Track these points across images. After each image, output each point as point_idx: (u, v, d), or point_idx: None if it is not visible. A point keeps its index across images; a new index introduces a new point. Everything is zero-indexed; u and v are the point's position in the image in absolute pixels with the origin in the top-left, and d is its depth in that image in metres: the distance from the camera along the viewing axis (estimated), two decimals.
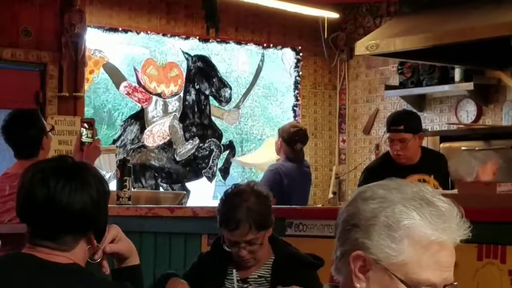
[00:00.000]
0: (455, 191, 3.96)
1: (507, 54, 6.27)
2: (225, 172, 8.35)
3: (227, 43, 8.26)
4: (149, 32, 7.78)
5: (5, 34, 6.68)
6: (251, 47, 8.53)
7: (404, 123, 4.90)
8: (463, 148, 6.57)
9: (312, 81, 8.70)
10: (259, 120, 9.83)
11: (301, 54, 8.60)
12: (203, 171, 8.23)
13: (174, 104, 8.13)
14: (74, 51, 6.89)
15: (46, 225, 2.15)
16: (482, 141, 6.59)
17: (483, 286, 3.41)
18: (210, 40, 8.06)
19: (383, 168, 4.94)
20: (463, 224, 1.64)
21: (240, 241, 3.26)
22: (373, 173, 5.04)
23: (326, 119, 8.75)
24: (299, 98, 8.61)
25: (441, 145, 6.67)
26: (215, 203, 6.81)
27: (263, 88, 9.53)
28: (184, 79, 8.16)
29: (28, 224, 2.20)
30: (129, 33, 7.68)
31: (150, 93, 8.00)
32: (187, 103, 8.16)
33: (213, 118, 8.34)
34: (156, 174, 7.98)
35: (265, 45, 8.45)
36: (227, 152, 8.38)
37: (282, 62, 8.77)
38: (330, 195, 8.46)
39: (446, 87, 7.46)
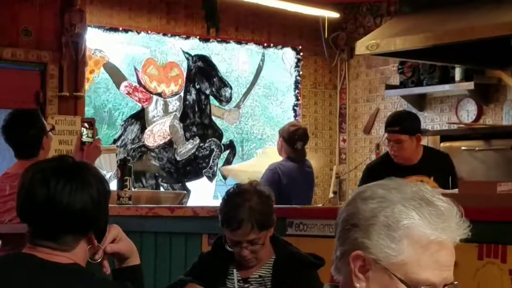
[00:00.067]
0: (455, 190, 3.96)
1: (507, 54, 6.27)
2: None
3: (227, 42, 8.26)
4: (149, 32, 7.78)
5: (5, 34, 6.68)
6: (252, 46, 8.53)
7: (400, 124, 4.92)
8: (463, 148, 6.57)
9: (313, 80, 8.70)
10: (259, 120, 9.84)
11: (301, 53, 8.60)
12: (203, 170, 8.23)
13: (175, 104, 8.13)
14: (75, 50, 6.89)
15: (47, 225, 2.15)
16: (483, 140, 6.59)
17: (483, 285, 3.41)
18: (211, 40, 8.07)
19: (383, 167, 4.97)
20: (462, 224, 1.64)
21: (242, 241, 3.26)
22: (373, 172, 5.07)
23: (326, 119, 8.75)
24: (299, 97, 8.61)
25: (442, 144, 6.67)
26: (216, 203, 6.83)
27: (264, 87, 9.53)
28: (184, 79, 8.16)
29: (28, 224, 2.20)
30: (130, 32, 7.69)
31: (151, 92, 8.00)
32: (187, 102, 8.16)
33: (213, 117, 8.34)
34: (157, 174, 7.99)
35: (265, 44, 8.45)
36: (227, 151, 8.38)
37: (283, 61, 8.77)
38: (331, 195, 8.46)
39: (446, 87, 7.46)
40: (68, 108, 6.92)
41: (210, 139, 8.26)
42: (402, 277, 1.62)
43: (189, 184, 8.16)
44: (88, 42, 7.08)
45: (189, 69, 8.17)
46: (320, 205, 8.10)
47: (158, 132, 8.03)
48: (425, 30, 5.99)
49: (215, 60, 8.37)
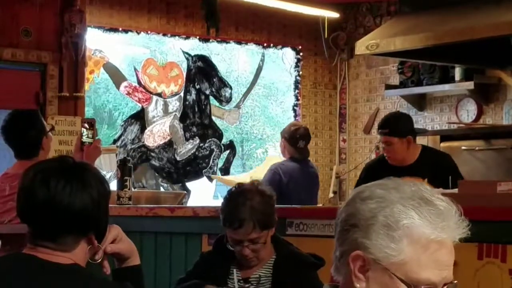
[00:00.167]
0: (455, 190, 3.96)
1: (507, 53, 6.27)
2: (225, 171, 8.35)
3: (227, 43, 8.26)
4: (149, 32, 7.78)
5: (5, 34, 6.68)
6: (251, 46, 8.53)
7: (389, 126, 4.97)
8: (463, 147, 6.57)
9: (313, 80, 8.70)
10: (259, 120, 9.85)
11: (301, 53, 8.59)
12: (203, 170, 8.23)
13: (175, 104, 8.13)
14: (75, 51, 6.89)
15: (47, 226, 2.15)
16: (483, 140, 6.59)
17: (483, 285, 3.41)
18: (210, 40, 8.07)
19: (380, 167, 5.03)
20: (461, 223, 1.65)
21: (243, 240, 3.27)
22: (370, 171, 5.14)
23: (326, 119, 8.75)
24: (299, 97, 8.61)
25: (442, 144, 6.67)
26: (216, 202, 6.83)
27: (264, 87, 9.54)
28: (184, 79, 8.16)
29: (28, 224, 2.20)
30: (129, 33, 7.69)
31: (151, 93, 8.00)
32: (187, 103, 8.16)
33: (213, 118, 8.34)
34: (157, 174, 7.99)
35: (265, 44, 8.45)
36: (227, 152, 8.38)
37: (283, 61, 8.77)
38: (331, 195, 8.46)
39: (446, 86, 7.46)
40: (68, 108, 6.92)
41: (210, 139, 8.26)
42: (402, 277, 1.62)
43: (189, 184, 8.17)
44: (88, 42, 7.08)
45: (189, 69, 8.17)
46: (320, 205, 8.10)
47: (158, 132, 8.03)
48: (425, 30, 5.99)
49: (215, 60, 8.37)
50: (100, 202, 2.19)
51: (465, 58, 6.74)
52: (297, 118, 8.51)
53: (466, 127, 7.16)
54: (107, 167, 6.63)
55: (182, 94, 8.15)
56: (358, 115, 8.56)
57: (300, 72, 8.60)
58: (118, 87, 7.99)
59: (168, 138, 8.08)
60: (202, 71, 8.20)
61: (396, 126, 5.00)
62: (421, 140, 6.47)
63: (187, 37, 8.00)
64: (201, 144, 8.22)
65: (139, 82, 7.96)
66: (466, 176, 6.03)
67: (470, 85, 7.22)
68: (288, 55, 8.66)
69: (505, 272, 3.36)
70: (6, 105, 5.98)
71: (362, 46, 6.33)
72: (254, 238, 3.27)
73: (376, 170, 5.05)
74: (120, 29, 7.60)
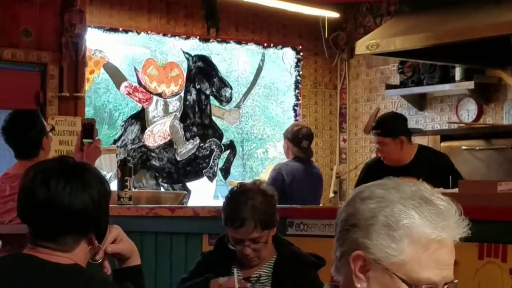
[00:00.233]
0: (455, 190, 3.96)
1: (507, 53, 6.27)
2: (226, 171, 8.35)
3: (227, 43, 8.26)
4: (149, 32, 7.78)
5: (5, 35, 6.68)
6: (252, 46, 8.53)
7: (381, 127, 5.03)
8: (463, 147, 6.57)
9: (313, 80, 8.70)
10: (259, 120, 9.85)
11: (301, 53, 8.59)
12: (204, 171, 8.23)
13: (175, 104, 8.13)
14: (75, 51, 6.89)
15: (47, 226, 2.15)
16: (483, 140, 6.58)
17: (484, 285, 3.41)
18: (211, 40, 8.07)
19: (378, 167, 5.09)
20: (461, 222, 1.65)
21: (244, 239, 3.28)
22: (370, 170, 5.19)
23: (326, 119, 8.75)
24: (299, 97, 8.60)
25: (442, 144, 6.67)
26: (216, 203, 6.83)
27: (264, 87, 9.54)
28: (184, 79, 8.16)
29: (29, 224, 2.19)
30: (130, 33, 7.68)
31: (151, 93, 8.00)
32: (187, 103, 8.16)
33: (213, 118, 8.34)
34: (157, 174, 7.99)
35: (265, 44, 8.45)
36: (227, 152, 8.38)
37: (283, 61, 8.77)
38: (331, 195, 8.46)
39: (446, 86, 7.46)
40: (68, 108, 6.92)
41: (210, 139, 8.26)
42: (403, 277, 1.62)
43: (190, 184, 8.17)
44: (88, 42, 7.08)
45: (189, 69, 8.17)
46: (320, 205, 8.10)
47: (158, 132, 8.03)
48: (425, 30, 5.99)
49: (215, 60, 8.37)
50: (100, 202, 2.19)
51: (465, 58, 6.74)
52: (297, 118, 8.51)
53: (466, 127, 7.16)
54: (107, 167, 6.63)
55: (182, 94, 8.15)
56: (358, 115, 8.56)
57: (300, 72, 8.60)
58: (118, 87, 7.99)
59: (169, 138, 8.08)
60: (202, 71, 8.20)
61: (389, 126, 5.05)
62: (421, 140, 6.48)
63: (187, 37, 8.00)
64: (202, 144, 8.22)
65: (139, 82, 7.95)
66: (466, 176, 6.03)
67: (470, 85, 7.22)
68: (288, 55, 8.66)
69: (505, 272, 3.36)
70: (6, 105, 5.98)
71: (362, 46, 6.33)
72: (255, 238, 3.28)
73: (374, 170, 5.08)
74: (120, 29, 7.60)
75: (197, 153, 8.20)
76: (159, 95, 8.03)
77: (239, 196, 3.33)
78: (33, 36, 6.79)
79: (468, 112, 7.53)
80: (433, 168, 4.87)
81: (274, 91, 9.72)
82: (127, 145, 7.84)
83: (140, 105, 8.00)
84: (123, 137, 7.87)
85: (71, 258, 2.14)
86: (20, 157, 4.46)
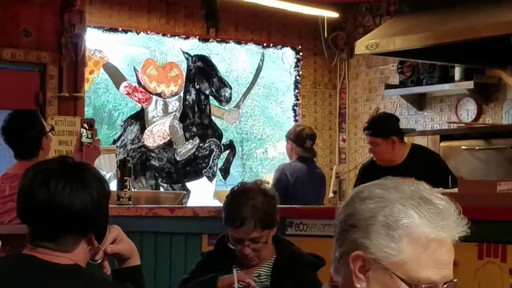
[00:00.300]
0: (455, 190, 3.96)
1: (507, 53, 6.27)
2: (225, 172, 8.35)
3: (227, 42, 8.26)
4: (149, 32, 7.78)
5: (5, 35, 6.68)
6: (251, 46, 8.53)
7: (372, 127, 5.09)
8: (463, 147, 6.57)
9: (312, 80, 8.70)
10: (259, 120, 9.83)
11: (301, 53, 8.59)
12: (203, 171, 8.23)
13: (174, 104, 8.13)
14: (74, 51, 6.89)
15: (47, 226, 2.15)
16: (483, 140, 6.58)
17: (484, 285, 3.41)
18: (210, 40, 8.06)
19: (373, 167, 5.15)
20: (461, 221, 1.65)
21: (244, 239, 3.28)
22: (367, 171, 5.24)
23: (326, 119, 8.75)
24: (299, 97, 8.60)
25: (441, 144, 6.67)
26: (216, 203, 6.82)
27: (263, 87, 9.53)
28: (184, 79, 8.16)
29: (28, 225, 2.19)
30: (129, 33, 7.68)
31: (150, 93, 8.00)
32: (187, 103, 8.16)
33: (213, 117, 8.34)
34: (157, 174, 7.99)
35: (265, 44, 8.45)
36: (227, 152, 8.38)
37: (282, 61, 8.77)
38: (331, 195, 8.46)
39: (446, 86, 7.46)
40: (68, 108, 6.92)
41: (210, 139, 8.26)
42: (403, 276, 1.62)
43: (189, 184, 8.16)
44: (87, 42, 7.08)
45: (188, 69, 8.17)
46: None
47: (158, 132, 8.03)
48: (424, 30, 5.99)
49: (214, 60, 8.37)
50: (100, 203, 2.19)
51: (465, 57, 6.74)
52: (296, 118, 8.52)
53: (466, 127, 7.16)
54: (106, 167, 6.63)
55: (181, 94, 8.15)
56: (358, 115, 8.56)
57: (300, 72, 8.60)
58: (118, 87, 7.99)
59: (168, 138, 8.08)
60: (202, 71, 8.20)
61: (380, 127, 5.09)
62: (421, 140, 6.49)
63: (187, 37, 8.00)
64: (201, 144, 8.22)
65: (139, 82, 7.95)
66: (466, 176, 6.04)
67: (470, 84, 7.22)
68: (288, 55, 8.66)
69: (505, 272, 3.36)
70: (5, 106, 5.98)
71: (361, 45, 6.33)
72: (255, 238, 3.28)
73: (369, 171, 5.13)
74: (120, 29, 7.60)
75: (196, 153, 8.20)
76: (159, 95, 8.03)
77: (240, 196, 3.33)
78: (32, 36, 6.79)
79: (468, 112, 7.53)
80: (426, 168, 4.89)
81: (273, 91, 9.71)
82: (126, 145, 7.84)
83: (140, 105, 8.00)
84: (122, 137, 7.86)
85: (70, 258, 2.14)
86: (19, 157, 4.46)
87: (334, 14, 8.31)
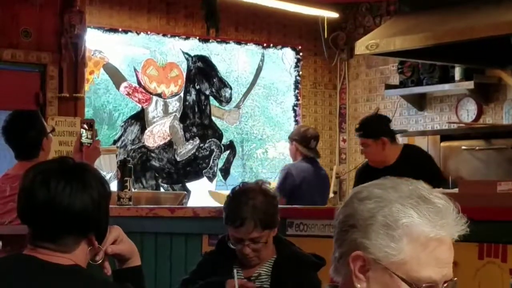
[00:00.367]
0: (455, 190, 3.96)
1: (507, 53, 6.27)
2: (225, 172, 8.35)
3: (227, 43, 8.26)
4: (149, 32, 7.78)
5: (5, 35, 6.68)
6: (251, 47, 8.53)
7: (362, 128, 5.14)
8: (463, 147, 6.57)
9: (312, 80, 8.70)
10: (259, 120, 9.85)
11: (301, 53, 8.59)
12: (203, 171, 8.23)
13: (175, 105, 8.13)
14: (74, 52, 6.89)
15: (47, 227, 2.15)
16: (483, 140, 6.58)
17: (484, 285, 3.42)
18: (210, 40, 8.07)
19: (366, 170, 5.19)
20: (460, 220, 1.65)
21: (244, 239, 3.29)
22: (364, 173, 5.27)
23: (326, 119, 8.75)
24: (299, 97, 8.61)
25: (442, 144, 6.67)
26: (216, 203, 6.82)
27: (264, 88, 9.54)
28: (184, 79, 8.16)
29: (29, 225, 2.19)
30: (129, 33, 7.68)
31: (150, 93, 8.00)
32: (187, 103, 8.16)
33: (213, 118, 8.34)
34: (157, 175, 7.99)
35: (265, 45, 8.45)
36: (227, 152, 8.38)
37: (282, 62, 8.77)
38: (331, 195, 8.46)
39: (446, 86, 7.46)
40: (68, 109, 6.92)
41: (210, 140, 8.26)
42: (403, 276, 1.62)
43: (189, 185, 8.17)
44: (87, 43, 7.08)
45: (188, 70, 8.17)
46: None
47: (158, 132, 8.03)
48: (425, 30, 5.99)
49: (214, 60, 8.38)
50: (100, 203, 2.19)
51: (465, 58, 6.74)
52: (297, 118, 8.52)
53: (466, 127, 7.16)
54: (107, 167, 6.64)
55: (182, 94, 8.15)
56: (358, 115, 8.56)
57: (300, 72, 8.60)
58: (118, 87, 7.99)
59: (168, 138, 8.08)
60: (202, 72, 8.20)
61: (370, 128, 5.12)
62: (421, 140, 6.50)
63: (187, 38, 8.00)
64: (201, 145, 8.22)
65: (139, 83, 7.96)
66: (466, 176, 6.04)
67: (470, 84, 7.22)
68: (288, 55, 8.66)
69: (505, 272, 3.36)
70: (6, 106, 5.98)
71: (362, 46, 6.33)
72: (255, 237, 3.28)
73: (365, 173, 5.15)
74: (120, 29, 7.60)
75: (196, 153, 8.20)
76: (159, 95, 8.03)
77: (240, 196, 3.34)
78: (32, 36, 6.79)
79: (468, 112, 7.54)
80: (418, 167, 4.89)
81: (273, 91, 9.72)
82: (127, 145, 7.84)
83: (140, 106, 8.00)
84: (122, 138, 7.87)
85: (71, 259, 2.14)
86: (20, 157, 4.46)
87: (334, 14, 8.31)
